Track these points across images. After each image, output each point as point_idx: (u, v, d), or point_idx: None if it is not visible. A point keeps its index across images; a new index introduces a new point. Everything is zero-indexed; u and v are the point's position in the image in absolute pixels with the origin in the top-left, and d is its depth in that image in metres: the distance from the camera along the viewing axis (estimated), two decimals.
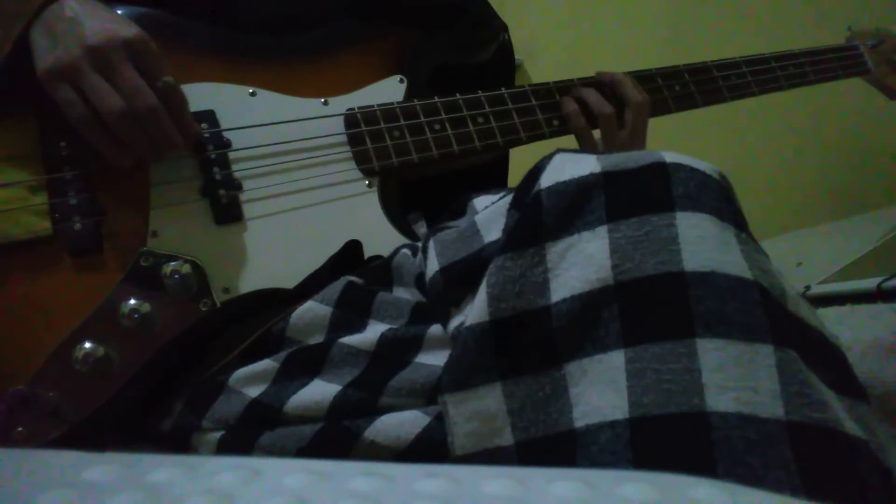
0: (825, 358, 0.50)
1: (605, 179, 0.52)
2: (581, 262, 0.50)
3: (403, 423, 0.57)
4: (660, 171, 0.51)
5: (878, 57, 1.25)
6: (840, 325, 1.01)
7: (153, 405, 0.70)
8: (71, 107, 0.70)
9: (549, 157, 0.56)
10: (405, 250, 0.74)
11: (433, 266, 0.62)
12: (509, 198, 0.59)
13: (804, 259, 1.43)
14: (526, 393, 0.50)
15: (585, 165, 0.53)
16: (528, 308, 0.51)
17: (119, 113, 0.69)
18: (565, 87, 0.95)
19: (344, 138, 0.83)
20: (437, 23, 0.94)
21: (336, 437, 0.59)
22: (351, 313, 0.67)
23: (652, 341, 0.47)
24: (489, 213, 0.61)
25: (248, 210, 0.76)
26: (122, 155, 0.72)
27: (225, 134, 0.79)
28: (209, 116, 0.78)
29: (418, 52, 0.91)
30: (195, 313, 0.70)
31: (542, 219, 0.52)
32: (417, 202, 0.89)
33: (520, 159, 0.97)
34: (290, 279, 0.74)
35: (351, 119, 0.83)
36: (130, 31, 0.71)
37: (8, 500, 0.24)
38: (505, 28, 1.03)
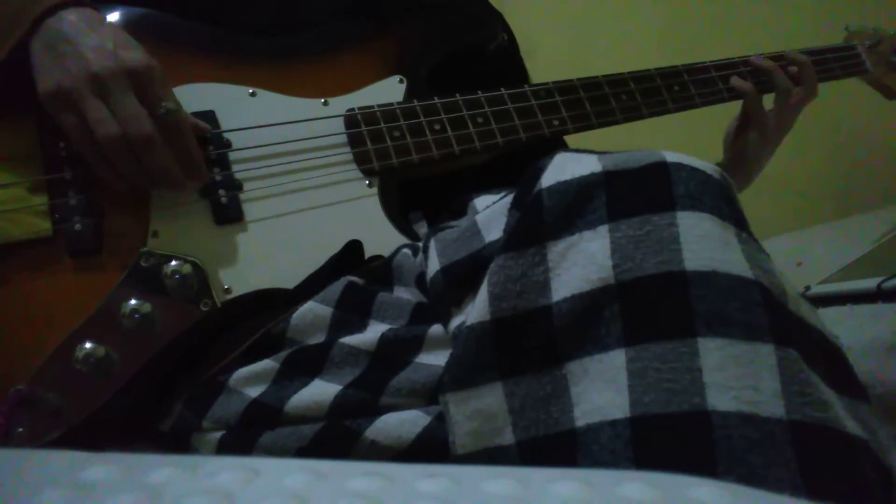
0: (826, 358, 0.50)
1: (607, 179, 0.52)
2: (582, 262, 0.50)
3: (404, 422, 0.57)
4: (661, 171, 0.51)
5: (875, 57, 1.25)
6: (840, 325, 1.01)
7: (153, 405, 0.70)
8: (72, 131, 0.69)
9: (549, 157, 0.56)
10: (406, 250, 0.74)
11: (434, 266, 0.62)
12: (510, 197, 0.59)
13: (804, 259, 1.43)
14: (527, 392, 0.50)
15: (586, 165, 0.53)
16: (529, 307, 0.51)
17: (113, 139, 0.68)
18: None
19: (344, 139, 0.83)
20: (435, 21, 0.94)
21: (336, 437, 0.59)
22: (351, 313, 0.67)
23: (653, 340, 0.47)
24: (490, 213, 0.61)
25: (249, 210, 0.76)
26: (119, 181, 0.72)
27: (225, 134, 0.79)
28: (209, 117, 0.78)
29: (418, 53, 0.91)
30: (196, 313, 0.70)
31: (543, 218, 0.52)
32: (418, 202, 0.89)
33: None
34: (290, 279, 0.74)
35: (351, 119, 0.83)
36: (134, 56, 0.70)
37: (8, 500, 0.24)
38: (503, 25, 1.03)
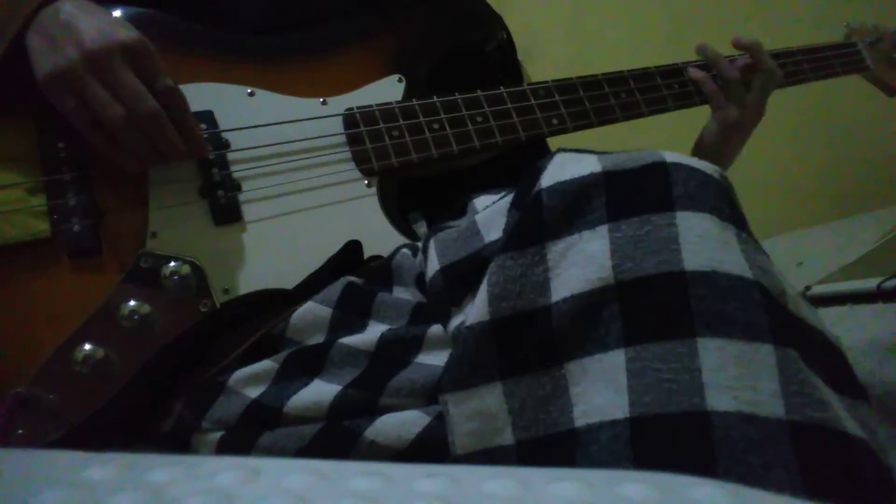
0: (825, 358, 0.50)
1: (606, 179, 0.52)
2: (582, 262, 0.50)
3: (404, 422, 0.57)
4: (660, 171, 0.51)
5: (876, 54, 1.25)
6: (840, 325, 1.01)
7: (153, 406, 0.70)
8: (74, 114, 0.70)
9: (549, 157, 0.56)
10: (405, 250, 0.74)
11: (433, 266, 0.62)
12: (510, 197, 0.59)
13: (804, 259, 1.43)
14: (526, 392, 0.50)
15: (586, 165, 0.53)
16: (528, 307, 0.51)
17: (120, 120, 0.69)
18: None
19: (343, 138, 0.83)
20: (433, 20, 0.94)
21: (336, 437, 0.59)
22: (351, 314, 0.67)
23: (652, 341, 0.47)
24: (490, 213, 0.61)
25: (247, 211, 0.76)
26: (129, 160, 0.72)
27: (223, 134, 0.79)
28: (208, 117, 0.78)
29: (417, 51, 0.91)
30: (195, 314, 0.70)
31: (543, 218, 0.52)
32: (417, 202, 0.89)
33: None
34: (289, 280, 0.74)
35: (350, 119, 0.83)
36: (128, 34, 0.70)
37: (8, 500, 0.24)
38: (502, 25, 1.03)
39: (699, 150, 1.10)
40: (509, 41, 1.06)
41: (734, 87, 1.05)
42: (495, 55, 1.01)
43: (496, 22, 1.02)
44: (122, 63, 0.69)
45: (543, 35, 2.03)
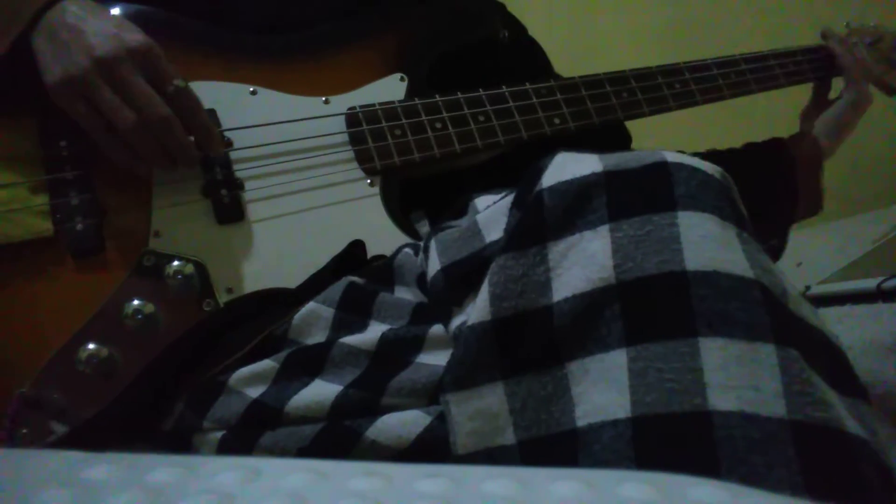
0: (826, 357, 0.50)
1: (607, 179, 0.52)
2: (583, 262, 0.50)
3: (405, 422, 0.57)
4: (661, 171, 0.51)
5: (876, 54, 1.25)
6: (840, 325, 1.01)
7: (155, 405, 0.70)
8: (84, 119, 0.70)
9: (550, 157, 0.56)
10: (407, 250, 0.74)
11: (434, 266, 0.62)
12: (511, 197, 0.59)
13: (804, 259, 1.43)
14: (528, 392, 0.50)
15: (587, 165, 0.53)
16: (530, 307, 0.51)
17: (132, 125, 0.69)
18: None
19: (345, 137, 0.83)
20: (434, 18, 0.94)
21: (337, 437, 0.59)
22: (352, 314, 0.67)
23: (654, 340, 0.46)
24: (491, 213, 0.61)
25: (251, 210, 0.76)
26: (139, 164, 0.72)
27: (226, 133, 0.79)
28: (210, 116, 0.78)
29: (418, 50, 0.91)
30: (198, 313, 0.70)
31: (544, 218, 0.52)
32: (420, 201, 0.89)
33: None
34: (292, 279, 0.74)
35: (352, 118, 0.83)
36: (136, 38, 0.70)
37: (8, 500, 0.24)
38: (507, 20, 1.03)
39: (830, 130, 1.19)
40: (518, 29, 1.06)
41: (863, 66, 1.14)
42: (497, 52, 1.01)
43: (495, 17, 1.01)
44: (131, 68, 0.69)
45: (543, 35, 2.03)
